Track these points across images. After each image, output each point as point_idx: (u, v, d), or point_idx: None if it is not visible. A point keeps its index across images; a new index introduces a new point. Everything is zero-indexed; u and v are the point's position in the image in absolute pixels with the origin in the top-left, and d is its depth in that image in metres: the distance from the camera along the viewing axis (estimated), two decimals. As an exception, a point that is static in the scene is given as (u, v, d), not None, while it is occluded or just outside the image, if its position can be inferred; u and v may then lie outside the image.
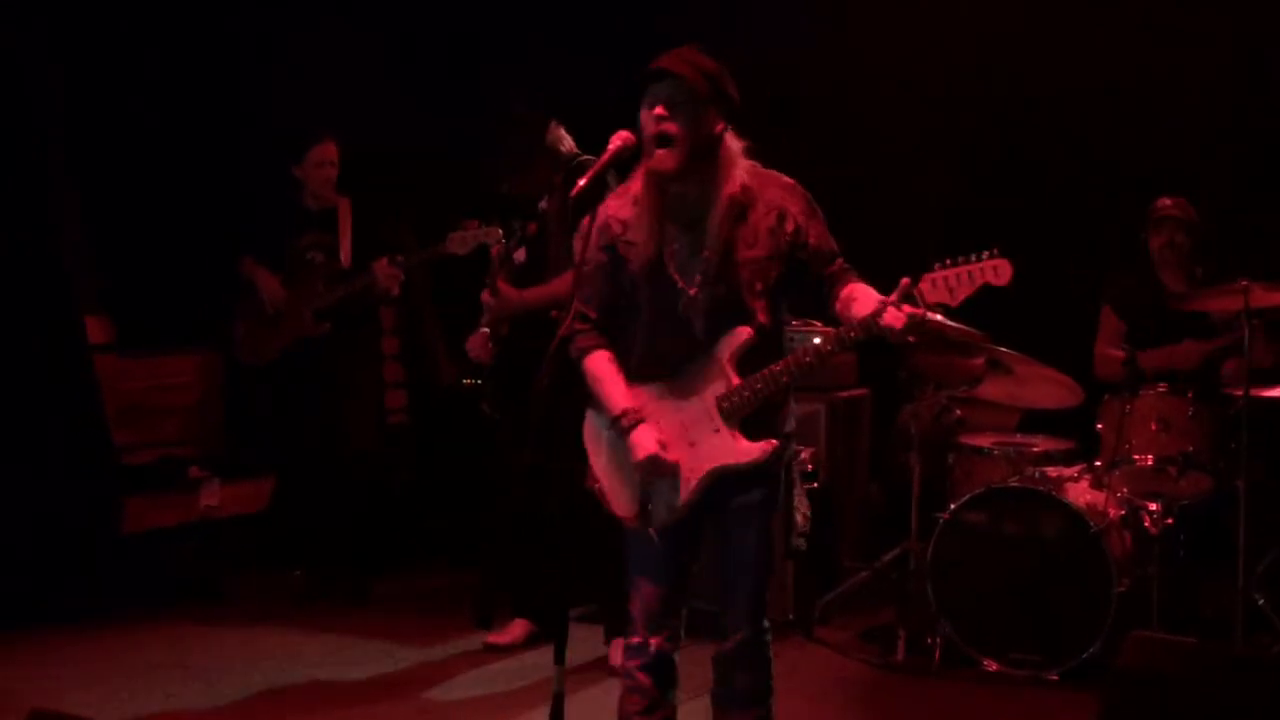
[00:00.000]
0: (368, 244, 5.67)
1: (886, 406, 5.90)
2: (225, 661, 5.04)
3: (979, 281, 3.03)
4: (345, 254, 5.69)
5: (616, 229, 3.27)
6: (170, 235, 6.29)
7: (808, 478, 5.46)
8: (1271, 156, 5.62)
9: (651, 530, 3.26)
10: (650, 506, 3.25)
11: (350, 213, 5.77)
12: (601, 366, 3.29)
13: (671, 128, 3.10)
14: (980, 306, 5.32)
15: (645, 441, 3.19)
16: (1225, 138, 5.74)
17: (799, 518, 3.40)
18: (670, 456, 3.20)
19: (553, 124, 4.89)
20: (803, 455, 5.48)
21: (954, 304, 3.06)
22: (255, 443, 6.24)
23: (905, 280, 3.05)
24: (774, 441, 3.23)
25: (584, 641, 4.98)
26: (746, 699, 3.34)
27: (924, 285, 3.05)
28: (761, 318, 3.21)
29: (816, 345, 3.17)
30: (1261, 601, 4.73)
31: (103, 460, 5.79)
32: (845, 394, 5.82)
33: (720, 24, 6.51)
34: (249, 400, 6.18)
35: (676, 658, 3.39)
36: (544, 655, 4.52)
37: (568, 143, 4.90)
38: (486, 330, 5.12)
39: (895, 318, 3.02)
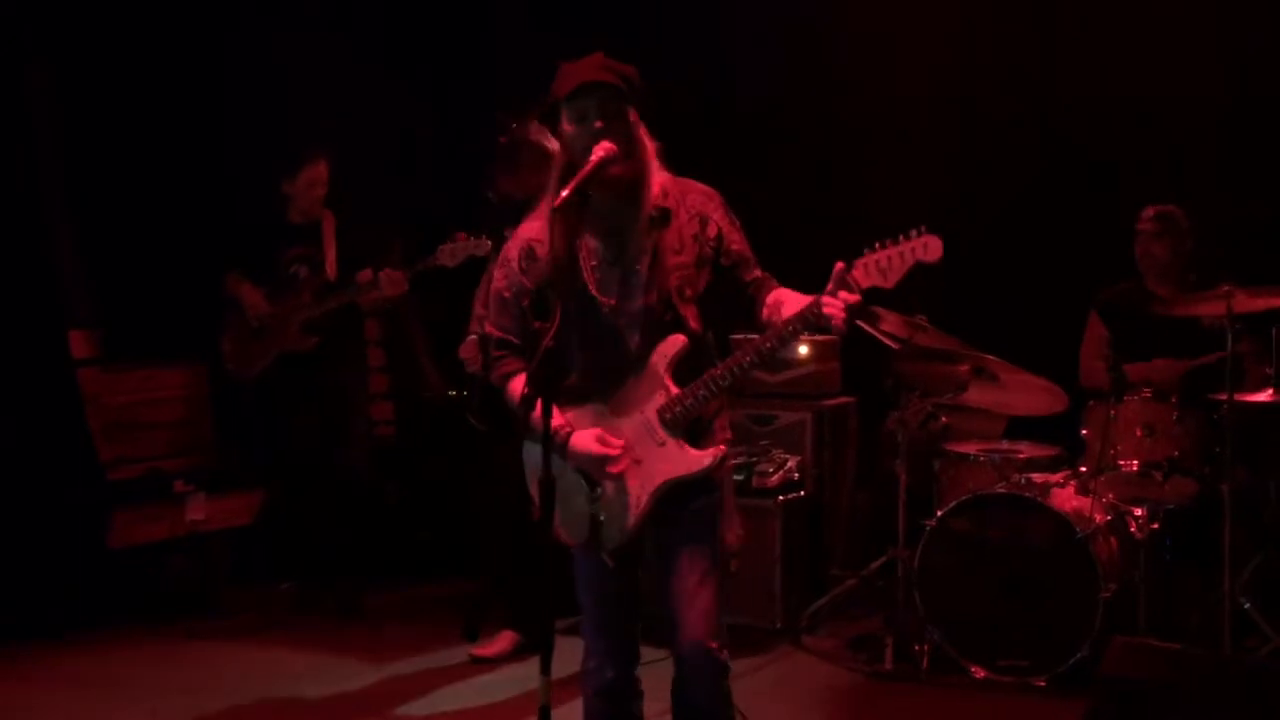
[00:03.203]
0: (353, 256, 5.66)
1: (872, 414, 5.91)
2: (212, 675, 5.04)
3: (910, 261, 2.93)
4: (331, 267, 5.69)
5: (537, 250, 3.17)
6: (159, 248, 6.28)
7: (793, 486, 5.49)
8: (1261, 161, 5.64)
9: (606, 556, 3.19)
10: (602, 530, 3.17)
11: (334, 226, 5.76)
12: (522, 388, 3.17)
13: (617, 139, 3.03)
14: (969, 312, 5.38)
15: (584, 443, 3.11)
16: (1215, 141, 5.77)
17: (730, 537, 3.30)
18: (612, 449, 3.10)
19: (533, 125, 4.88)
20: (789, 464, 5.50)
21: (888, 286, 2.96)
22: (244, 456, 6.22)
23: (840, 265, 2.96)
24: (723, 447, 3.18)
25: (571, 653, 4.95)
26: (712, 714, 3.27)
27: (857, 272, 2.95)
28: (693, 324, 3.14)
29: (754, 343, 3.07)
30: (1248, 605, 4.73)
31: (88, 474, 5.77)
32: (831, 402, 5.83)
33: (705, 26, 6.56)
34: (237, 413, 6.16)
35: (638, 671, 3.33)
36: (530, 667, 4.49)
37: (553, 142, 4.88)
38: (475, 337, 5.11)
39: (834, 306, 2.94)
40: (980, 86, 6.23)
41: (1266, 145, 5.64)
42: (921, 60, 6.27)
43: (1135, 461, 4.86)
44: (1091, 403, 5.09)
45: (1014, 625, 4.73)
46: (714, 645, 3.18)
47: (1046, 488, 4.90)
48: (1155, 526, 4.87)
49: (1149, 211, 5.28)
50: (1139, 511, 4.89)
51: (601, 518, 3.17)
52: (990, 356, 4.90)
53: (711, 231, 3.16)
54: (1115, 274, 5.43)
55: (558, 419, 3.11)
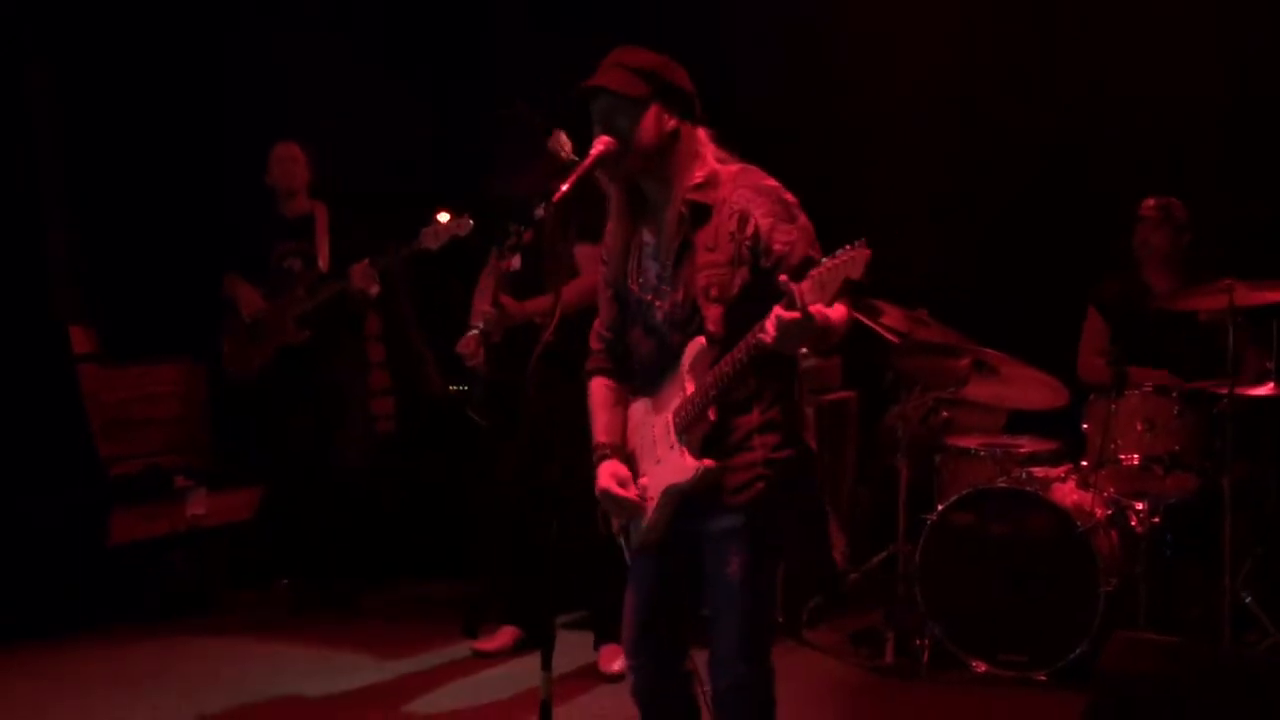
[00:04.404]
0: (346, 248, 5.66)
1: (873, 409, 5.91)
2: (212, 673, 5.03)
3: (840, 276, 2.65)
4: (324, 259, 5.69)
5: (606, 241, 3.17)
6: (157, 246, 6.29)
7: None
8: (1261, 161, 5.64)
9: (628, 552, 3.15)
10: (632, 525, 3.13)
11: (326, 218, 5.76)
12: (596, 393, 3.20)
13: (617, 134, 2.96)
14: (970, 311, 5.37)
15: (603, 477, 3.08)
16: (1215, 141, 5.77)
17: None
18: (626, 492, 3.06)
19: (556, 131, 4.89)
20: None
21: (826, 302, 2.69)
22: (242, 452, 6.22)
23: (782, 277, 2.72)
24: (707, 462, 2.94)
25: (573, 648, 4.97)
26: None
27: (806, 284, 2.67)
28: (711, 326, 2.93)
29: (731, 354, 2.87)
30: (1249, 599, 4.73)
31: (89, 471, 5.77)
32: (831, 397, 5.82)
33: (705, 26, 6.56)
34: (236, 410, 6.16)
35: (691, 687, 3.19)
36: (532, 662, 4.48)
37: (568, 150, 4.89)
38: (476, 332, 5.11)
39: (769, 322, 2.71)
40: (980, 86, 6.23)
41: (1266, 145, 5.64)
42: (921, 60, 6.26)
43: (1136, 456, 4.85)
44: (1092, 397, 5.08)
45: (1015, 620, 4.72)
46: (747, 674, 3.05)
47: (1047, 482, 4.90)
48: (1156, 521, 4.86)
49: (1150, 201, 5.25)
50: (1140, 506, 4.88)
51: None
52: (991, 350, 4.90)
53: (750, 229, 2.90)
54: (1114, 268, 5.43)
55: (608, 436, 3.13)
